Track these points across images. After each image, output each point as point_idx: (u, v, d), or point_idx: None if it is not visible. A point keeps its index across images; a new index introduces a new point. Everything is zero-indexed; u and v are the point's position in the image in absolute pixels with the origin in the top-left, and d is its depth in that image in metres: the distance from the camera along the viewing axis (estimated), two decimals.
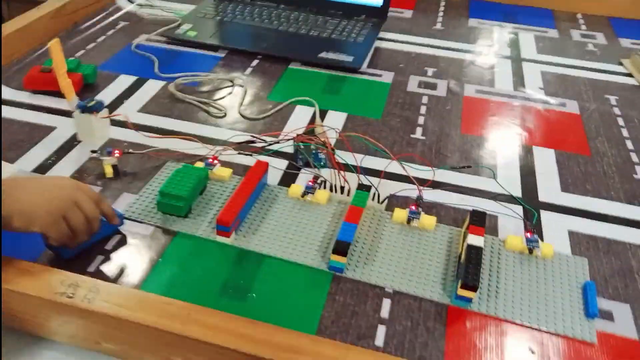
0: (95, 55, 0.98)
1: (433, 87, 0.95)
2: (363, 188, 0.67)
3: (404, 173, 0.73)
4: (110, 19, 1.11)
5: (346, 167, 0.72)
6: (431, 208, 0.70)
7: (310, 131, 0.79)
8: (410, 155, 0.77)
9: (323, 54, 0.99)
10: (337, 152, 0.76)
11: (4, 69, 0.91)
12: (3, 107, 0.82)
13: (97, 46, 1.01)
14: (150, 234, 0.63)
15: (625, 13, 1.23)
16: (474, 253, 0.59)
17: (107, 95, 0.87)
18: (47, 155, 0.74)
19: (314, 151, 0.75)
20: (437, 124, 0.85)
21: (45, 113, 0.82)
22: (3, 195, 0.51)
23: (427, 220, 0.66)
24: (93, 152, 0.71)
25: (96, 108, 0.74)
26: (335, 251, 0.59)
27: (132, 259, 0.60)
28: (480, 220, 0.63)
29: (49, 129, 0.78)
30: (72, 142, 0.76)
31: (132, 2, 1.18)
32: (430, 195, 0.71)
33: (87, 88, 0.88)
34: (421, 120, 0.86)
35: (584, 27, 1.19)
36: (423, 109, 0.89)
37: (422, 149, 0.80)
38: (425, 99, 0.91)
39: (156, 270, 0.59)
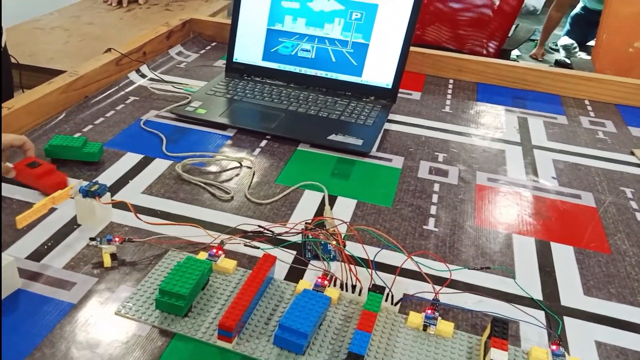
0: (103, 131, 0.93)
1: (444, 174, 0.89)
2: (376, 289, 0.60)
3: (416, 269, 0.67)
4: (121, 93, 1.07)
5: (357, 262, 0.65)
6: (447, 311, 0.63)
7: (319, 223, 0.72)
8: (425, 253, 0.71)
9: (332, 136, 0.94)
10: (347, 243, 0.70)
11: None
12: (4, 184, 0.77)
13: (106, 121, 0.96)
14: (146, 334, 0.56)
15: (633, 101, 1.19)
16: None
17: (111, 174, 0.81)
18: (44, 240, 0.68)
19: (323, 243, 0.69)
20: (450, 214, 0.79)
21: (42, 195, 0.76)
22: None
23: (445, 327, 0.59)
24: (92, 239, 0.65)
25: (99, 193, 0.68)
26: None
27: None
28: (503, 331, 0.56)
29: (50, 210, 0.72)
30: (71, 226, 0.70)
31: (144, 77, 1.14)
32: (445, 296, 0.64)
33: (92, 166, 0.82)
34: (433, 209, 0.80)
35: (592, 114, 1.15)
36: (435, 198, 0.83)
37: (435, 242, 0.73)
38: (436, 187, 0.86)
39: None
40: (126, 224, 0.71)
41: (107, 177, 0.81)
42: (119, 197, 0.76)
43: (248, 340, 0.56)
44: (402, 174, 0.88)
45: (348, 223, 0.74)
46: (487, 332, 0.58)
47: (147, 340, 0.56)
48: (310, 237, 0.69)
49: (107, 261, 0.64)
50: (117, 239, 0.65)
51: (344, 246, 0.68)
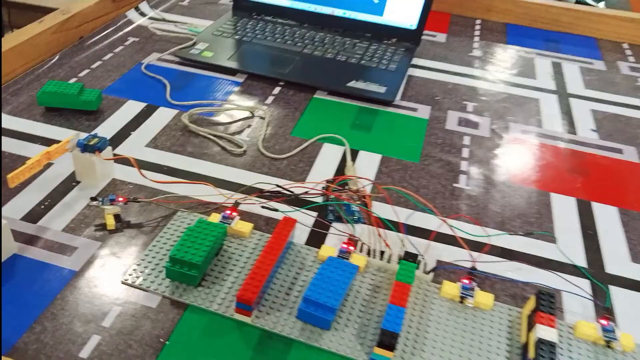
0: (101, 76, 0.87)
1: (474, 125, 0.84)
2: (409, 257, 0.56)
3: (449, 233, 0.63)
4: (119, 33, 1.00)
5: (386, 225, 0.61)
6: (483, 280, 0.59)
7: (342, 182, 0.68)
8: (461, 216, 0.66)
9: (352, 83, 0.88)
10: (372, 203, 0.65)
11: None
12: None
13: (103, 65, 0.90)
14: (157, 305, 0.53)
15: None
16: (547, 350, 0.48)
17: (111, 124, 0.76)
18: (40, 199, 0.63)
19: (346, 203, 0.64)
20: (482, 171, 0.74)
21: (41, 145, 0.71)
22: None
23: (484, 299, 0.56)
24: (93, 199, 0.61)
25: (99, 147, 0.63)
26: (381, 344, 0.48)
27: (134, 339, 0.49)
28: (549, 305, 0.52)
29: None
30: (69, 183, 0.66)
31: (143, 16, 1.07)
32: (481, 264, 0.60)
33: (90, 116, 0.77)
34: (464, 165, 0.75)
35: (631, 59, 1.09)
36: (465, 152, 0.78)
37: (467, 202, 0.69)
38: (466, 140, 0.80)
39: (163, 358, 0.48)
40: (130, 181, 0.67)
41: (107, 128, 0.75)
42: (121, 151, 0.72)
43: (268, 313, 0.53)
44: (428, 126, 0.83)
45: (376, 182, 0.69)
46: (530, 304, 0.54)
47: (157, 312, 0.52)
48: (333, 197, 0.65)
49: (111, 223, 0.60)
50: (120, 199, 0.61)
51: (370, 207, 0.63)
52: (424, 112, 0.86)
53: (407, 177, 0.72)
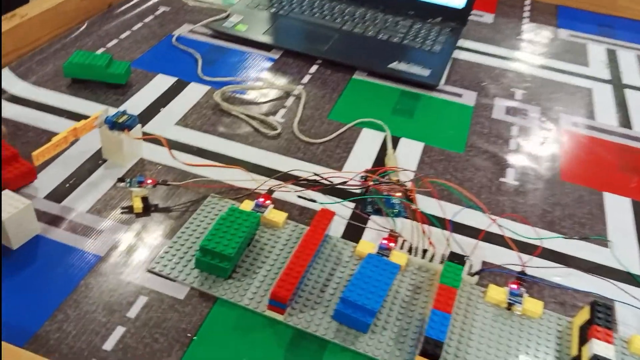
0: (130, 47, 0.84)
1: (523, 114, 0.80)
2: (454, 258, 0.53)
3: (497, 232, 0.59)
4: (150, 2, 0.97)
5: (430, 221, 0.58)
6: (531, 285, 0.56)
7: (384, 174, 0.64)
8: (512, 215, 0.63)
9: (394, 64, 0.84)
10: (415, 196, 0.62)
11: (21, 60, 0.78)
12: (17, 106, 0.70)
13: (133, 35, 0.88)
14: (184, 297, 0.50)
15: None
16: None
17: (140, 100, 0.74)
18: (65, 177, 0.61)
19: (387, 196, 0.61)
20: (530, 165, 0.71)
21: (67, 119, 0.69)
22: None
23: (533, 306, 0.52)
24: (120, 180, 0.58)
25: (128, 125, 0.60)
26: (424, 353, 0.45)
27: (160, 332, 0.47)
28: (606, 319, 0.49)
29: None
30: (95, 161, 0.63)
31: None
32: (529, 268, 0.57)
33: (118, 90, 0.74)
34: (512, 158, 0.71)
35: None
36: (512, 143, 0.74)
37: (514, 199, 0.65)
38: (514, 130, 0.77)
39: (190, 355, 0.46)
40: (158, 162, 0.64)
41: (136, 103, 0.73)
42: (150, 128, 0.69)
43: (301, 311, 0.50)
44: (474, 113, 0.79)
45: (422, 175, 0.66)
46: (584, 315, 0.51)
47: (185, 304, 0.50)
48: (373, 189, 0.62)
49: (138, 206, 0.57)
50: (149, 181, 0.58)
51: (413, 202, 0.60)
52: (469, 98, 0.82)
53: (451, 168, 0.69)
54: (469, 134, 0.75)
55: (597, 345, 0.47)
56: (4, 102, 0.70)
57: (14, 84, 0.73)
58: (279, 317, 0.49)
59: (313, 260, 0.54)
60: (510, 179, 0.68)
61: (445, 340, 0.46)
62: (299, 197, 0.59)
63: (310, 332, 0.49)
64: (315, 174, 0.61)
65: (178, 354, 0.46)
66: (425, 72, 0.83)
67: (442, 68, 0.85)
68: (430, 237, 0.55)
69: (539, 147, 0.74)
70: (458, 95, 0.82)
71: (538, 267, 0.57)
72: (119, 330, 0.47)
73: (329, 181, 0.60)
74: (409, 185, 0.63)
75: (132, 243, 0.54)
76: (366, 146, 0.70)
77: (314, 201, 0.59)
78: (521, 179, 0.68)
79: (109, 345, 0.46)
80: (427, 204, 0.62)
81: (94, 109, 0.70)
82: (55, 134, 0.65)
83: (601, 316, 0.50)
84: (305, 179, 0.61)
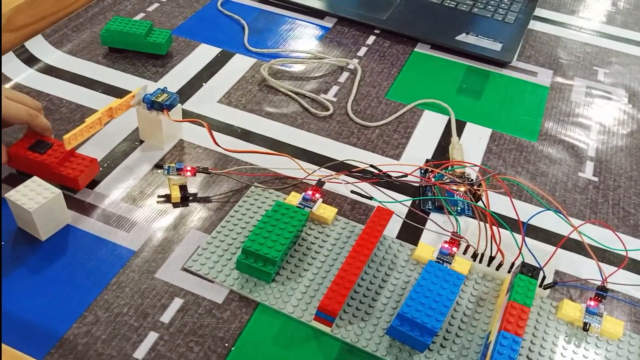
0: (171, 12, 0.82)
1: (607, 98, 0.74)
2: (526, 270, 0.49)
3: (576, 238, 0.55)
4: None
5: (499, 223, 0.54)
6: (610, 300, 0.52)
7: (450, 169, 0.60)
8: (598, 222, 0.58)
9: (461, 37, 0.79)
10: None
11: (56, 26, 0.76)
12: (50, 78, 0.68)
13: None
14: (222, 301, 0.48)
15: None
16: None
17: (181, 73, 0.71)
18: (99, 159, 0.59)
19: (448, 192, 0.57)
20: (615, 158, 0.65)
21: (102, 93, 0.67)
22: None
23: (613, 327, 0.48)
24: (157, 167, 0.56)
25: (168, 105, 0.58)
26: None
27: (195, 340, 0.45)
28: None
29: None
30: (132, 142, 0.61)
31: None
32: (614, 282, 0.52)
33: (157, 61, 0.72)
34: (592, 150, 0.66)
35: None
36: (594, 132, 0.69)
37: (594, 198, 0.61)
38: (595, 116, 0.71)
39: None
40: (198, 144, 0.62)
41: (176, 77, 0.70)
42: (191, 105, 0.67)
43: (351, 322, 0.48)
44: (550, 95, 0.74)
45: (494, 172, 0.61)
46: None
47: (223, 309, 0.48)
48: (436, 187, 0.58)
49: (176, 196, 0.55)
50: (189, 170, 0.56)
51: (479, 200, 0.56)
52: (544, 77, 0.77)
53: (522, 159, 0.64)
54: (543, 119, 0.70)
55: None
56: (37, 73, 0.68)
57: (48, 53, 0.71)
58: (326, 329, 0.47)
59: (366, 265, 0.51)
60: (589, 173, 0.63)
61: None
62: (352, 192, 0.56)
63: (359, 347, 0.46)
64: (371, 166, 0.57)
65: None
66: (497, 46, 0.78)
67: (515, 41, 0.80)
68: (499, 242, 0.51)
69: (624, 138, 0.68)
70: (532, 74, 0.77)
71: (621, 284, 0.52)
72: (152, 337, 0.45)
73: (387, 175, 0.57)
74: (477, 180, 0.59)
75: (169, 237, 0.52)
76: (427, 131, 0.66)
77: (371, 198, 0.55)
78: (602, 173, 0.63)
79: (140, 353, 0.44)
80: (496, 203, 0.57)
81: (132, 83, 0.68)
82: (89, 110, 0.64)
83: None
84: (359, 170, 0.58)
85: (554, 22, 0.87)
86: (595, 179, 0.63)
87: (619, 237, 0.52)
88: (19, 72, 0.68)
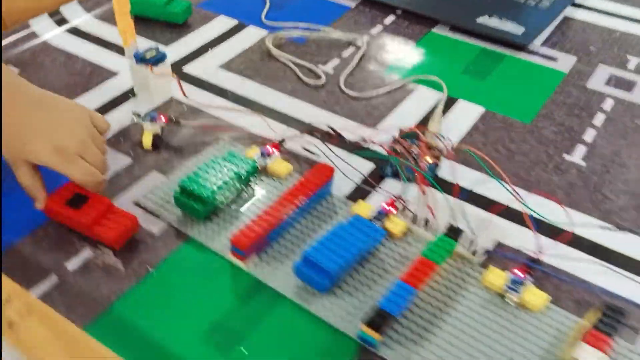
0: None
1: (628, 86, 0.74)
2: (453, 233, 0.52)
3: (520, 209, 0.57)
4: None
5: (435, 187, 0.56)
6: (548, 277, 0.53)
7: (410, 134, 0.63)
8: (542, 193, 0.59)
9: (483, 19, 0.82)
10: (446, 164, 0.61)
11: None
12: (72, 37, 0.80)
13: None
14: (160, 232, 0.56)
15: None
16: None
17: (193, 40, 0.80)
18: (96, 106, 0.69)
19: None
20: (612, 144, 0.66)
21: (116, 53, 0.78)
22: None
23: (533, 297, 0.50)
24: (135, 115, 0.65)
25: (153, 61, 0.67)
26: (370, 322, 0.46)
27: (125, 260, 0.53)
28: (612, 325, 0.46)
29: (111, 74, 0.74)
30: (128, 96, 0.71)
31: None
32: (552, 256, 0.54)
33: (174, 30, 0.82)
34: (590, 134, 0.67)
35: None
36: (599, 118, 0.69)
37: (573, 180, 0.62)
38: (609, 103, 0.71)
39: (141, 287, 0.51)
40: (187, 103, 0.70)
41: (187, 43, 0.79)
42: (192, 69, 0.75)
43: (268, 263, 0.53)
44: (564, 81, 0.75)
45: (452, 142, 0.64)
46: (592, 317, 0.48)
47: (157, 238, 0.55)
48: (398, 150, 0.62)
49: (147, 143, 0.64)
50: (162, 118, 0.64)
51: (436, 166, 0.60)
52: (565, 63, 0.77)
53: (506, 138, 0.66)
54: (546, 102, 0.71)
55: (583, 351, 0.45)
56: (66, 34, 0.80)
57: (78, 16, 0.84)
58: (241, 264, 0.53)
59: (300, 215, 0.56)
60: (577, 157, 0.64)
61: (399, 316, 0.47)
62: (303, 148, 0.62)
63: (267, 283, 0.52)
64: (329, 127, 0.62)
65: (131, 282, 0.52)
66: (519, 30, 0.80)
67: (542, 26, 0.81)
68: (431, 204, 0.54)
69: (632, 124, 0.68)
70: (552, 59, 0.78)
71: (566, 257, 0.54)
72: (87, 252, 0.54)
73: (341, 136, 0.62)
74: (446, 151, 0.62)
75: (131, 175, 0.61)
76: (415, 106, 0.70)
77: (312, 153, 0.61)
78: (591, 157, 0.64)
79: (73, 265, 0.53)
80: (462, 176, 0.60)
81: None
82: (105, 70, 0.74)
83: (607, 321, 0.47)
84: (323, 131, 0.63)
85: (598, 10, 0.87)
86: (583, 163, 0.64)
87: (565, 210, 0.54)
88: (47, 30, 0.81)
